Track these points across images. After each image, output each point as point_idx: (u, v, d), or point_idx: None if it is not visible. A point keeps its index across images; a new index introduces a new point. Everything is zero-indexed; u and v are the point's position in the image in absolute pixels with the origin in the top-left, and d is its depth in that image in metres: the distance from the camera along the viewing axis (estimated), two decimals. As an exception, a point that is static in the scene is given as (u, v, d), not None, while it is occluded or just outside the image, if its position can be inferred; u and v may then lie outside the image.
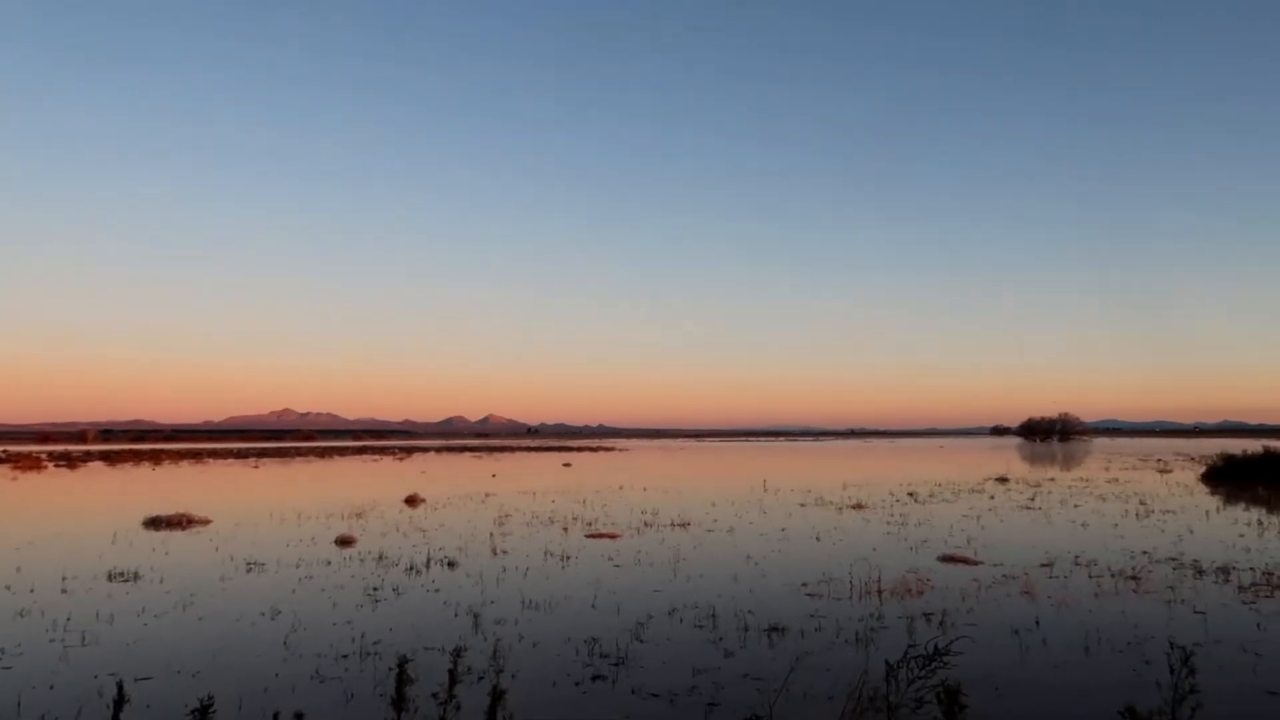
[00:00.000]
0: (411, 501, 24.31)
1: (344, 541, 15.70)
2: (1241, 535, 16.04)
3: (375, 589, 11.10)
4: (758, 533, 16.88)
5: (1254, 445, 38.94)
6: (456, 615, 9.51)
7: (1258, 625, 8.79)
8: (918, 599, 10.23)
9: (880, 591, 10.62)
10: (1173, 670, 3.34)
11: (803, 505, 22.76)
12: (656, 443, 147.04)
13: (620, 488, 30.55)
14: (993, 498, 25.05)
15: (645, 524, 18.41)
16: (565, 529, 17.61)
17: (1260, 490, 27.42)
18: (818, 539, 15.87)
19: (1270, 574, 11.73)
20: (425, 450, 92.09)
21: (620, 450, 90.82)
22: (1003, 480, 33.45)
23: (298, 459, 65.93)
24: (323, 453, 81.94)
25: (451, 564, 13.07)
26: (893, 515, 20.00)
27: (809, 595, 10.52)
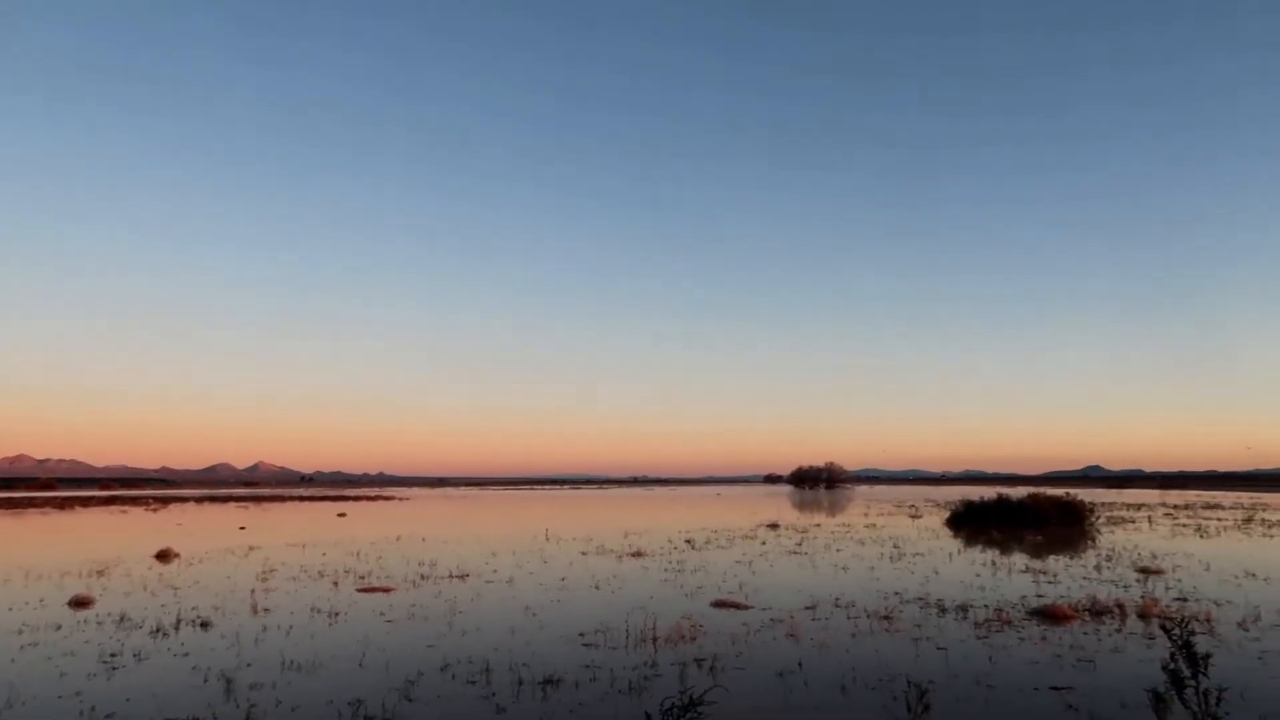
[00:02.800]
0: (163, 557, 22.33)
1: (79, 603, 14.15)
2: (978, 575, 17.58)
3: (113, 655, 10.06)
4: (537, 583, 16.75)
5: (990, 492, 42.96)
6: (207, 680, 8.76)
7: (990, 659, 9.62)
8: (691, 645, 10.46)
9: (655, 639, 10.78)
10: (910, 707, 3.57)
11: (584, 554, 22.83)
12: (439, 491, 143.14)
13: (398, 538, 29.46)
14: (764, 543, 26.15)
15: (422, 576, 17.83)
16: (335, 583, 16.74)
17: (994, 533, 30.24)
18: (597, 588, 15.94)
19: (1001, 610, 12.90)
20: (184, 500, 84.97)
21: (400, 499, 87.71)
22: (774, 526, 35.04)
23: (32, 511, 59.02)
24: (63, 503, 73.74)
25: (205, 624, 12.08)
26: (670, 562, 20.43)
27: (585, 645, 10.52)
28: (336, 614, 13.03)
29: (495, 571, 18.68)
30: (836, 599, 14.21)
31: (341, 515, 49.85)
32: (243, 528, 37.42)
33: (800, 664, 9.37)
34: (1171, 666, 3.64)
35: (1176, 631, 3.72)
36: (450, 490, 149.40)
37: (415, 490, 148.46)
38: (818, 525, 36.73)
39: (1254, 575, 17.16)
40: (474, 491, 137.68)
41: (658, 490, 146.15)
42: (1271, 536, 28.13)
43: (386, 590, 15.69)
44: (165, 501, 79.94)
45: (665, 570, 18.75)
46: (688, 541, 26.94)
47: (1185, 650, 3.68)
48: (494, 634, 11.36)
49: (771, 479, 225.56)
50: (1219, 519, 38.69)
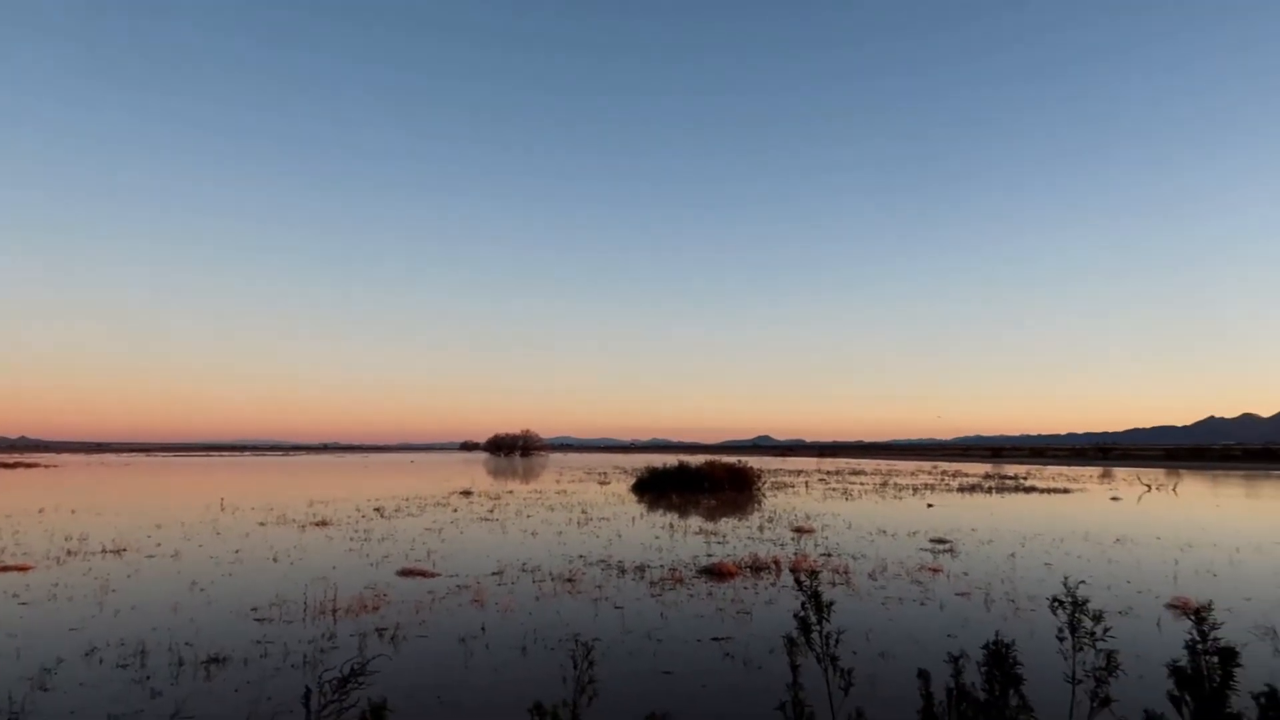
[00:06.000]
0: None
1: None
2: (657, 537, 18.71)
3: None
4: (208, 555, 15.61)
5: (672, 459, 45.80)
6: None
7: (661, 614, 10.32)
8: (373, 614, 10.26)
9: (335, 610, 10.46)
10: (576, 664, 3.77)
11: (263, 524, 21.57)
12: (98, 457, 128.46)
13: (40, 510, 26.17)
14: (456, 510, 26.13)
15: (68, 552, 15.99)
16: (-43, 563, 14.59)
17: (675, 498, 32.36)
18: (275, 560, 15.14)
19: (675, 569, 13.84)
20: None
21: (48, 466, 77.74)
22: (467, 493, 35.10)
23: None
24: None
25: None
26: (357, 531, 19.85)
27: (258, 620, 9.98)
28: (-44, 598, 11.38)
29: (159, 545, 17.16)
30: (524, 564, 14.53)
31: (-32, 485, 43.35)
32: None
33: (484, 628, 9.50)
34: (801, 614, 4.12)
35: (807, 583, 4.22)
36: (110, 457, 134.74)
37: (66, 457, 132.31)
38: (511, 492, 37.26)
39: (884, 532, 19.70)
40: (140, 458, 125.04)
41: (349, 458, 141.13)
42: (900, 499, 32.42)
43: (22, 569, 13.92)
44: None
45: (351, 539, 18.20)
46: (377, 510, 26.30)
47: (814, 600, 4.18)
48: (153, 612, 10.46)
49: (468, 446, 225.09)
50: (861, 484, 43.96)
